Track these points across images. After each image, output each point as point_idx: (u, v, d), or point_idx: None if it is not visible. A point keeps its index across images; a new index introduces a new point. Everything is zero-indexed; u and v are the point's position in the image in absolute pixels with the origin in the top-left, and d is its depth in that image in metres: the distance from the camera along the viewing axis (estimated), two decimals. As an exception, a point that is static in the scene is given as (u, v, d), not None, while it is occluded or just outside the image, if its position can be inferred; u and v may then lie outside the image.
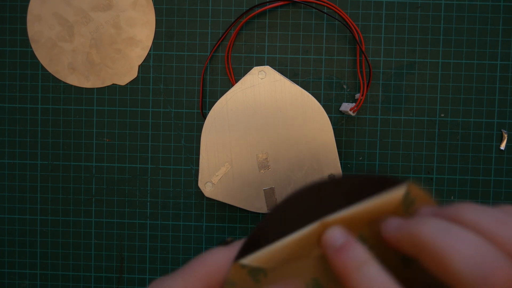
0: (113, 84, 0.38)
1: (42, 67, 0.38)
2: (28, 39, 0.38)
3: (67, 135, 0.38)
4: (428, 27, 0.37)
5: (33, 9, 0.38)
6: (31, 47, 0.38)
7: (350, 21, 0.36)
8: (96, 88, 0.38)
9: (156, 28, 0.38)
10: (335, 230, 0.18)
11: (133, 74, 0.38)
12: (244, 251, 0.18)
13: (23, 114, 0.38)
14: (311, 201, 0.18)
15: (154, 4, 0.38)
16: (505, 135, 0.37)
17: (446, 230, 0.15)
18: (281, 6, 0.37)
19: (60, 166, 0.38)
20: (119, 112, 0.38)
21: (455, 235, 0.15)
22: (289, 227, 0.18)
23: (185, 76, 0.38)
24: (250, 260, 0.18)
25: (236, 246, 0.20)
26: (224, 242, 0.22)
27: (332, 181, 0.18)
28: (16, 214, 0.39)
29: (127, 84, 0.38)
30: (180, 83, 0.38)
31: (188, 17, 0.38)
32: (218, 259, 0.20)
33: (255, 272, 0.18)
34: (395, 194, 0.18)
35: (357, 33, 0.37)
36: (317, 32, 0.37)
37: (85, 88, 0.38)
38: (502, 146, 0.37)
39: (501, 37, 0.37)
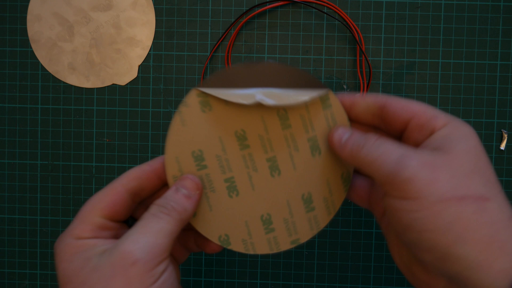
0: (113, 84, 0.38)
1: (42, 67, 0.38)
2: (28, 39, 0.38)
3: (67, 135, 0.38)
4: (428, 27, 0.37)
5: (33, 9, 0.38)
6: (31, 47, 0.38)
7: (350, 21, 0.36)
8: (96, 88, 0.38)
9: (156, 28, 0.38)
10: (340, 129, 0.24)
11: (133, 74, 0.38)
12: (205, 84, 0.23)
13: (23, 114, 0.38)
14: (256, 73, 0.24)
15: (154, 4, 0.38)
16: (505, 135, 0.37)
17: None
18: (281, 6, 0.37)
19: (60, 166, 0.38)
20: (119, 112, 0.38)
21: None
22: (236, 84, 0.24)
23: (185, 76, 0.38)
24: (207, 90, 0.23)
25: (156, 160, 0.24)
26: None
27: (271, 64, 0.24)
28: (16, 214, 0.39)
29: (127, 84, 0.38)
30: (180, 83, 0.38)
31: (188, 17, 0.38)
32: (134, 169, 0.24)
33: (204, 104, 0.23)
34: (319, 93, 0.24)
35: (357, 33, 0.37)
36: (317, 32, 0.37)
37: (85, 88, 0.38)
38: (502, 146, 0.37)
39: (501, 37, 0.37)
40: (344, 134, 0.23)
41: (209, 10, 0.37)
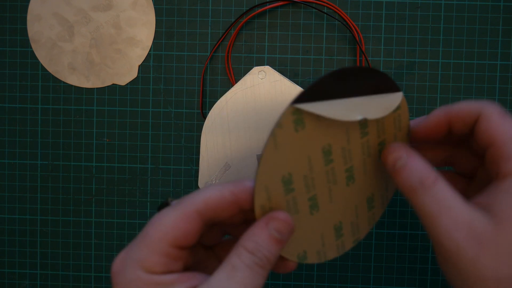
0: (113, 84, 0.38)
1: (42, 67, 0.38)
2: (28, 39, 0.38)
3: (67, 135, 0.38)
4: (428, 27, 0.37)
5: (33, 9, 0.38)
6: (31, 47, 0.38)
7: (350, 21, 0.36)
8: (96, 88, 0.38)
9: (156, 28, 0.38)
10: (395, 152, 0.23)
11: (133, 74, 0.38)
12: (300, 99, 0.21)
13: (23, 114, 0.38)
14: (346, 82, 0.22)
15: (154, 4, 0.38)
16: (505, 135, 0.37)
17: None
18: (281, 6, 0.37)
19: (60, 166, 0.38)
20: (119, 112, 0.38)
21: None
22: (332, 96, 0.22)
23: (185, 76, 0.38)
24: (301, 106, 0.21)
25: (238, 186, 0.21)
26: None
27: (359, 69, 0.22)
28: (16, 214, 0.39)
29: (127, 84, 0.38)
30: (180, 83, 0.38)
31: (188, 17, 0.38)
32: (212, 194, 0.21)
33: (298, 122, 0.21)
34: (399, 98, 0.23)
35: (357, 33, 0.37)
36: (317, 32, 0.37)
37: (85, 88, 0.38)
38: (502, 146, 0.37)
39: (501, 37, 0.37)
40: (398, 159, 0.22)
41: (209, 10, 0.37)
